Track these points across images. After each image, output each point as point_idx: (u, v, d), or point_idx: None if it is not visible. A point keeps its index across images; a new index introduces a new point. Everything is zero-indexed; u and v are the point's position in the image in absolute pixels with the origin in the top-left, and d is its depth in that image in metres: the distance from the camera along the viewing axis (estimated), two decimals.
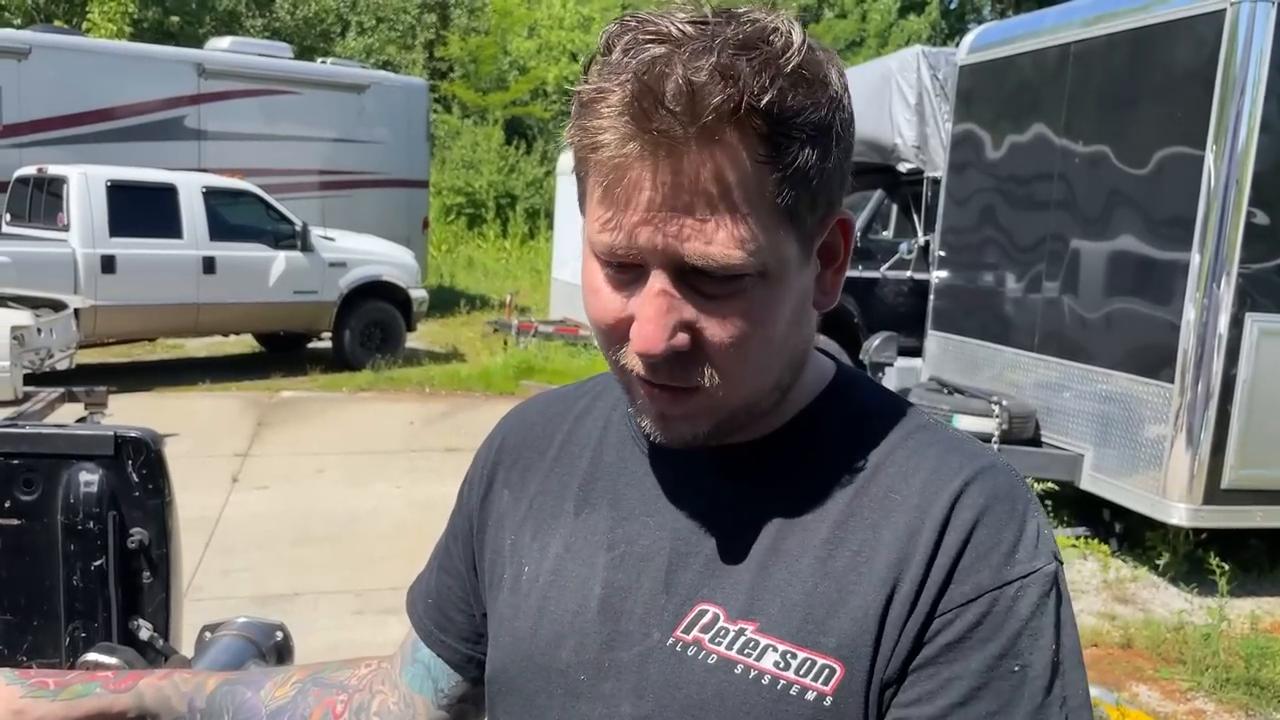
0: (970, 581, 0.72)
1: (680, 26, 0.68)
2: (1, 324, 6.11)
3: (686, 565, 0.78)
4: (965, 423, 5.85)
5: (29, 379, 6.41)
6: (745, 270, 0.70)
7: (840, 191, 0.75)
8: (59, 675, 0.95)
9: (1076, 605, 4.84)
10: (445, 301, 14.91)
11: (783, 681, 0.72)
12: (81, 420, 7.23)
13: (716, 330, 0.71)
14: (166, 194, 9.57)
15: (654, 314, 0.70)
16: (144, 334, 10.32)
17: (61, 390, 7.28)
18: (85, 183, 9.19)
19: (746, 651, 0.74)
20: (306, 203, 12.13)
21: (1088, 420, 5.61)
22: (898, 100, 8.19)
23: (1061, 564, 0.77)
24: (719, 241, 0.69)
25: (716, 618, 0.75)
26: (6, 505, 1.72)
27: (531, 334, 11.59)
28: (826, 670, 0.72)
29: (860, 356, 6.93)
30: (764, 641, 0.73)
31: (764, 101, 0.67)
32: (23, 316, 6.32)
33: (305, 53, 18.90)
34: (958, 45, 7.15)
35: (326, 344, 10.92)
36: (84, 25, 17.08)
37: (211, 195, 9.83)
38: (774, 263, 0.71)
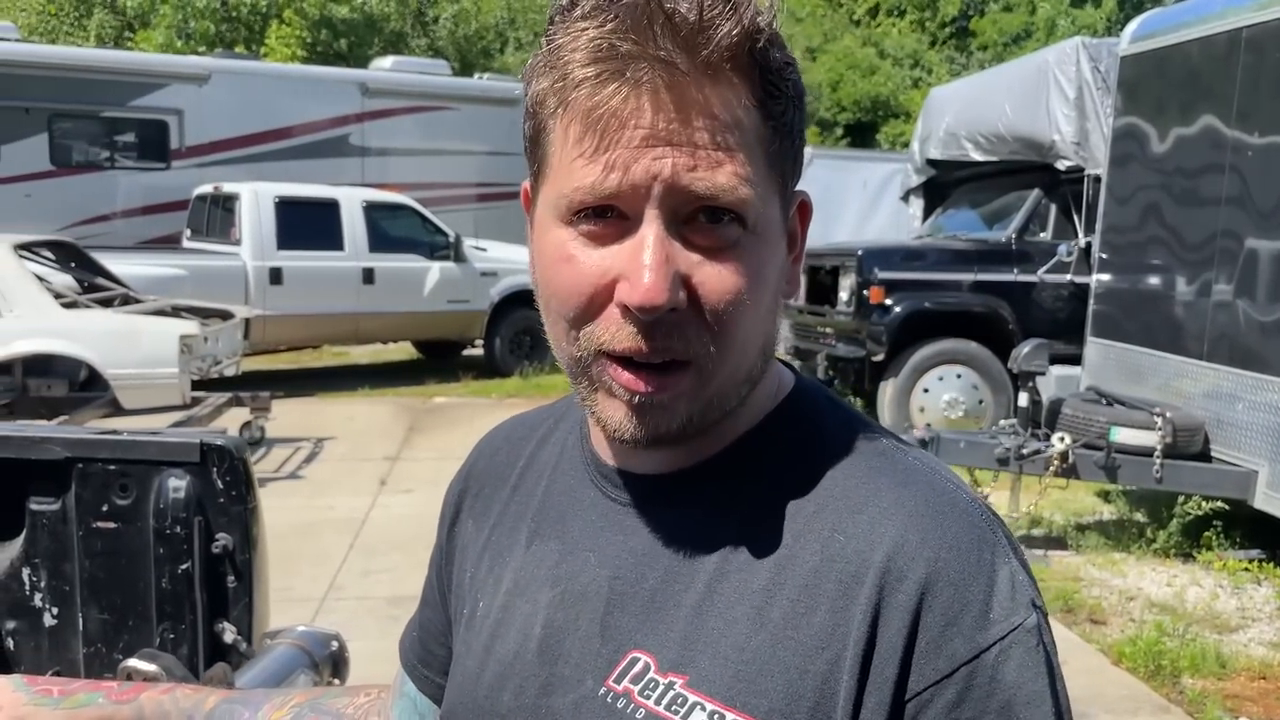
0: (943, 654, 0.63)
1: None
2: (171, 333, 6.50)
3: (623, 607, 0.72)
4: (1124, 435, 5.50)
5: (197, 385, 6.80)
6: (748, 210, 0.65)
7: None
8: (65, 684, 0.97)
9: (1245, 634, 4.47)
10: None
11: None
12: (246, 424, 7.62)
13: (714, 283, 0.65)
14: (329, 209, 10.04)
15: (655, 261, 0.63)
16: (308, 342, 10.83)
17: (229, 395, 7.72)
18: (255, 199, 9.74)
19: (674, 709, 0.67)
20: (462, 215, 12.49)
21: (1263, 434, 5.17)
22: (1055, 95, 7.79)
23: (1042, 609, 0.68)
24: (726, 174, 0.64)
25: (647, 667, 0.69)
26: (104, 509, 1.79)
27: None
28: None
29: (1009, 365, 6.60)
30: (692, 698, 0.67)
31: (760, 45, 0.65)
32: (190, 326, 6.70)
33: (466, 69, 19.52)
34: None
35: (479, 351, 11.22)
36: (262, 50, 18.12)
37: (371, 209, 10.26)
38: (765, 219, 0.68)
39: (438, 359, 11.69)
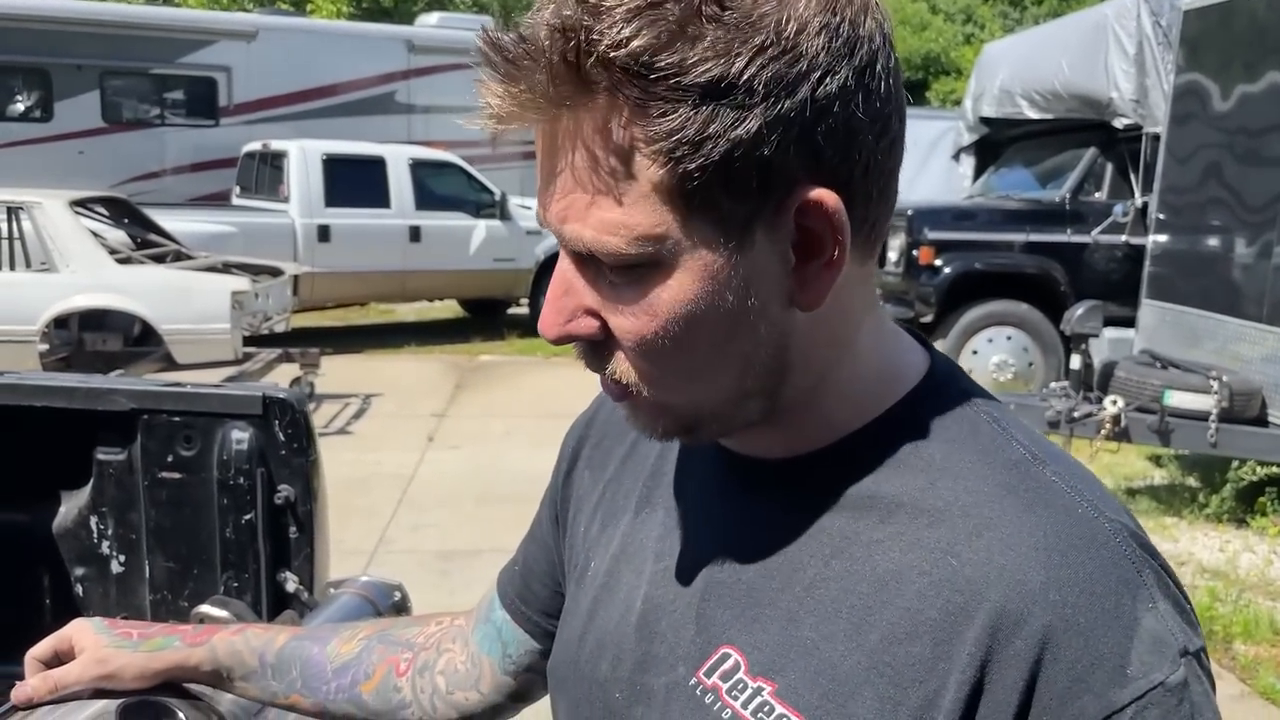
0: (1068, 712, 0.57)
1: None
2: (222, 289, 6.59)
3: (719, 597, 0.69)
4: (1179, 399, 5.41)
5: (248, 340, 6.90)
6: (626, 259, 0.60)
7: (798, 164, 0.58)
8: (144, 627, 0.99)
9: None
10: None
11: None
12: (296, 380, 7.73)
13: (616, 322, 0.63)
14: (376, 166, 10.09)
15: (551, 295, 0.64)
16: (355, 299, 10.93)
17: (279, 351, 7.84)
18: (303, 156, 9.80)
19: (760, 715, 0.64)
20: (507, 173, 12.48)
21: None
22: (1114, 50, 7.59)
23: (1196, 655, 0.60)
24: (593, 224, 0.59)
25: (737, 666, 0.67)
26: (169, 460, 1.83)
27: None
28: None
29: (1061, 327, 6.51)
30: (779, 709, 0.64)
31: (621, 55, 0.55)
32: (241, 283, 6.79)
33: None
34: None
35: (524, 310, 11.26)
36: (309, 7, 18.14)
37: (417, 167, 10.29)
38: (669, 252, 0.59)
39: (483, 317, 11.75)
